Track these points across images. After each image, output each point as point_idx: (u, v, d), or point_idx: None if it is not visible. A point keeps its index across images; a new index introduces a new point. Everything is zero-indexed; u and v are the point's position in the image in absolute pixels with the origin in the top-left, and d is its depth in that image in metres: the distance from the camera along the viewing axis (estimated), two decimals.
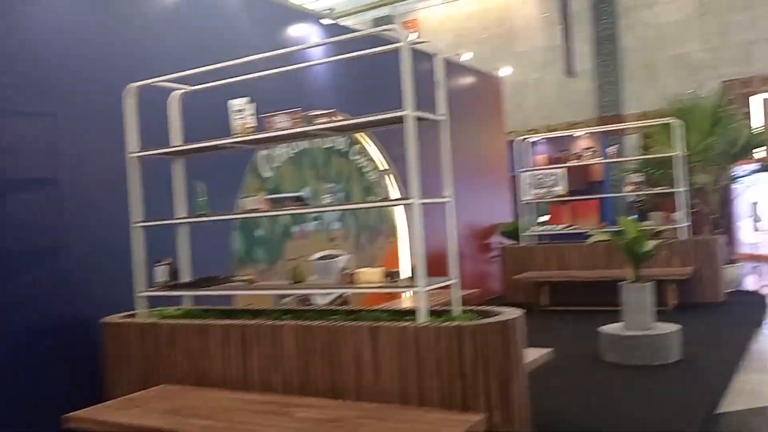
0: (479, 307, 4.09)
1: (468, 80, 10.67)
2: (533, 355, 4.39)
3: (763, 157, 11.38)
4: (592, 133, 15.85)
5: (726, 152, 9.72)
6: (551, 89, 18.30)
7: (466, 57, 12.07)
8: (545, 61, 18.32)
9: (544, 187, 10.21)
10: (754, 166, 10.68)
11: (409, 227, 8.37)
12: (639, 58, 17.30)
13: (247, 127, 4.20)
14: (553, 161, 10.47)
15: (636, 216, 11.05)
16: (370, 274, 3.99)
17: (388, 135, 8.28)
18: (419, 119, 3.85)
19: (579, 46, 17.80)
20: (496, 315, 3.76)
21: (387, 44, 4.00)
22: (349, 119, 4.03)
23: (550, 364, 6.01)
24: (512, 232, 10.06)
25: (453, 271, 4.01)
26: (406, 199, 3.83)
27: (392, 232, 8.48)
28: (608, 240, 6.46)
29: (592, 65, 17.78)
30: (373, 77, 6.81)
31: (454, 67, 10.45)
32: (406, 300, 7.35)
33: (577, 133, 11.39)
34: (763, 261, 12.22)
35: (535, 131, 15.15)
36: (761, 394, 5.26)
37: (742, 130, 10.15)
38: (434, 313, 3.89)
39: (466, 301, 7.05)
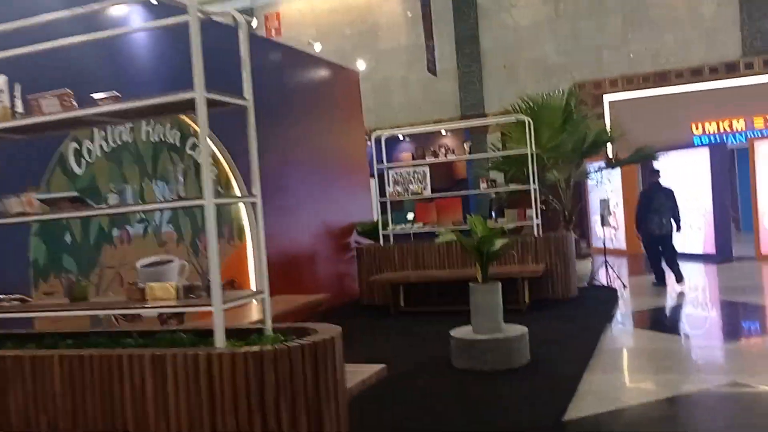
0: (296, 325, 3.46)
1: (323, 73, 10.05)
2: (364, 373, 3.81)
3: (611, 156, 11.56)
4: (455, 132, 15.76)
5: (576, 149, 9.69)
6: (417, 88, 18.08)
7: (317, 48, 11.42)
8: (410, 59, 18.07)
9: (410, 184, 9.80)
10: (603, 163, 10.77)
11: (250, 229, 7.65)
12: (499, 60, 17.41)
13: (7, 111, 3.33)
14: (418, 159, 10.06)
15: (496, 213, 10.92)
16: (161, 290, 3.24)
17: (228, 127, 7.56)
18: (216, 104, 3.15)
19: (442, 45, 17.68)
20: (310, 335, 3.13)
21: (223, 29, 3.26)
22: (130, 103, 3.26)
23: (399, 372, 5.52)
24: (371, 232, 9.56)
25: (262, 282, 3.34)
26: (201, 198, 3.11)
27: (239, 234, 7.72)
28: (456, 240, 6.04)
29: (455, 65, 17.72)
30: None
31: (307, 59, 9.79)
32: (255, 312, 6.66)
33: (429, 129, 11.01)
34: (614, 255, 12.45)
35: (402, 129, 14.81)
36: (608, 397, 4.98)
37: (591, 128, 10.18)
38: (241, 334, 3.21)
39: (304, 310, 6.32)
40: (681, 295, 9.37)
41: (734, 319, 7.92)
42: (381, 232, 9.18)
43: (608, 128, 10.82)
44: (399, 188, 9.54)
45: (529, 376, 5.41)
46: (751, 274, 10.62)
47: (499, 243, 5.90)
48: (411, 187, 9.41)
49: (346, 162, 10.18)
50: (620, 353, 6.33)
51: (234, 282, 7.57)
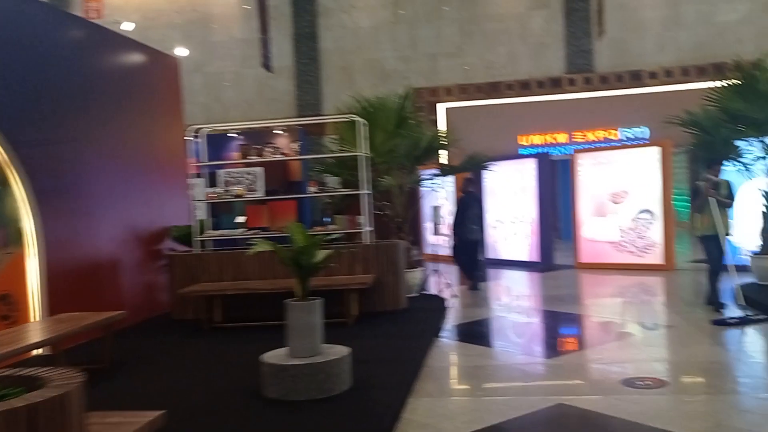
0: (28, 371, 2.54)
1: (135, 58, 8.87)
2: (132, 426, 2.95)
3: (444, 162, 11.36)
4: (291, 132, 14.94)
5: (410, 154, 9.30)
6: (251, 84, 17.10)
7: (126, 27, 10.17)
8: (244, 54, 17.05)
9: (239, 186, 8.87)
10: (436, 170, 10.51)
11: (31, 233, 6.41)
12: (338, 60, 16.89)
13: None
14: (247, 158, 9.14)
15: (330, 220, 10.28)
16: None
17: (11, 112, 6.29)
18: None
19: (280, 41, 16.85)
20: (41, 386, 2.24)
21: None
22: None
23: (194, 407, 4.67)
24: (187, 237, 8.53)
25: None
26: None
27: (16, 239, 6.43)
28: (272, 250, 5.29)
29: (292, 63, 16.95)
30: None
31: (115, 39, 8.56)
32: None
33: (248, 125, 10.18)
34: (446, 263, 12.30)
35: (235, 128, 13.79)
36: (432, 426, 4.46)
37: (425, 133, 9.86)
38: None
39: (97, 330, 5.32)
40: (507, 304, 9.28)
41: (557, 331, 7.87)
42: (196, 237, 8.20)
43: (442, 135, 10.60)
44: (231, 189, 8.61)
45: (349, 404, 4.77)
46: (572, 283, 10.85)
47: (320, 255, 5.23)
48: (234, 189, 8.51)
49: (161, 159, 9.06)
50: (447, 373, 5.90)
51: (8, 296, 6.30)
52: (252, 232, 8.19)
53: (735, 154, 8.97)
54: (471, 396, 5.22)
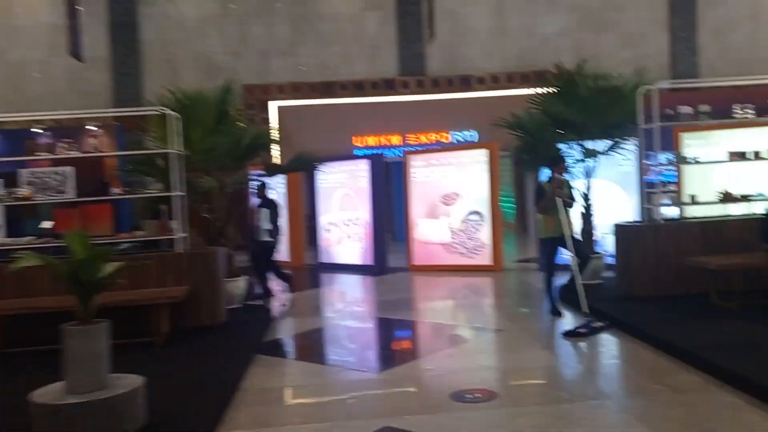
0: None
1: None
2: None
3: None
4: (107, 129, 13.48)
5: (231, 153, 8.47)
6: (61, 75, 15.27)
7: None
8: (53, 42, 15.20)
9: (47, 187, 7.58)
10: (262, 170, 9.77)
11: None
12: (160, 52, 15.54)
13: None
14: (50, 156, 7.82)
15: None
16: None
17: None
18: None
19: (93, 30, 15.21)
20: None
21: None
22: None
23: None
24: None
25: None
26: None
27: None
28: (44, 266, 4.31)
29: (108, 53, 15.37)
30: None
31: None
32: None
33: (40, 116, 8.88)
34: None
35: (41, 123, 12.15)
36: None
37: (249, 131, 9.08)
38: None
39: None
40: (338, 312, 8.77)
41: (388, 341, 7.45)
42: None
43: (272, 133, 9.87)
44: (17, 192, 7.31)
45: None
46: (405, 287, 10.58)
47: (107, 268, 4.34)
48: (21, 191, 7.23)
49: None
50: (264, 397, 5.20)
51: None
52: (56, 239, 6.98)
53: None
54: (290, 424, 4.57)
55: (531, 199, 11.25)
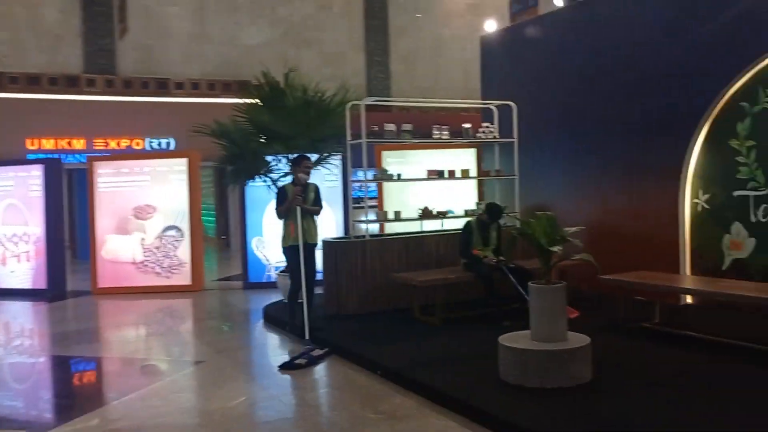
0: None
1: None
2: None
3: None
4: None
5: None
6: None
7: None
8: None
9: None
10: None
11: None
12: None
13: None
14: None
15: None
16: None
17: None
18: None
19: None
20: None
21: None
22: None
23: None
24: None
25: None
26: None
27: None
28: None
29: None
30: None
31: None
32: None
33: None
34: None
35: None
36: None
37: None
38: None
39: None
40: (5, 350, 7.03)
41: (65, 385, 6.07)
42: None
43: None
44: None
45: None
46: (88, 314, 9.04)
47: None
48: None
49: None
50: None
51: None
52: None
53: (265, 169, 8.53)
54: None
55: (237, 209, 10.54)
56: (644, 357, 5.32)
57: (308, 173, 6.63)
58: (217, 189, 17.52)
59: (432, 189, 9.36)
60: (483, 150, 9.65)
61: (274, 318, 7.55)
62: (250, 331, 7.67)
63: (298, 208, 6.48)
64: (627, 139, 7.42)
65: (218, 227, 18.08)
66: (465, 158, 9.97)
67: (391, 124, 7.53)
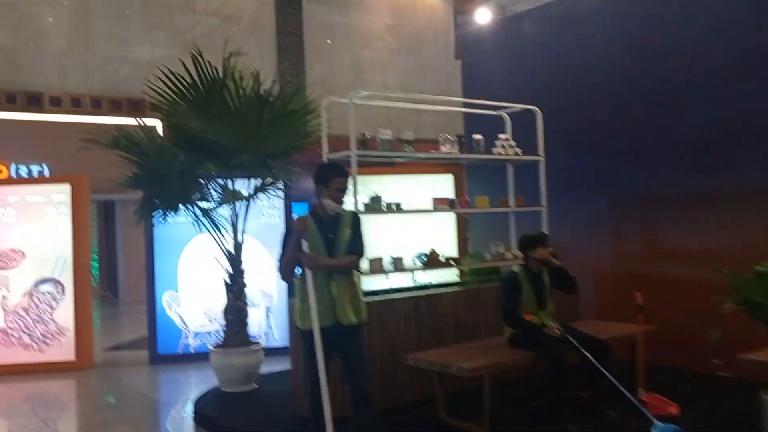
0: None
1: None
2: None
3: None
4: None
5: None
6: None
7: None
8: None
9: None
10: None
11: None
12: None
13: None
14: None
15: None
16: None
17: None
18: None
19: None
20: None
21: None
22: None
23: None
24: None
25: None
26: None
27: None
28: None
29: None
30: None
31: None
32: None
33: None
34: None
35: None
36: None
37: None
38: None
39: None
40: None
41: None
42: None
43: None
44: None
45: None
46: None
47: None
48: None
49: None
50: None
51: None
52: None
53: (194, 197, 5.73)
54: None
55: (142, 253, 7.63)
56: None
57: (341, 196, 3.75)
58: (100, 226, 14.10)
59: (395, 227, 6.98)
60: (466, 173, 7.49)
61: (219, 425, 4.77)
62: None
63: (307, 272, 3.60)
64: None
65: (102, 276, 14.59)
66: (439, 185, 7.69)
67: (387, 131, 5.11)
